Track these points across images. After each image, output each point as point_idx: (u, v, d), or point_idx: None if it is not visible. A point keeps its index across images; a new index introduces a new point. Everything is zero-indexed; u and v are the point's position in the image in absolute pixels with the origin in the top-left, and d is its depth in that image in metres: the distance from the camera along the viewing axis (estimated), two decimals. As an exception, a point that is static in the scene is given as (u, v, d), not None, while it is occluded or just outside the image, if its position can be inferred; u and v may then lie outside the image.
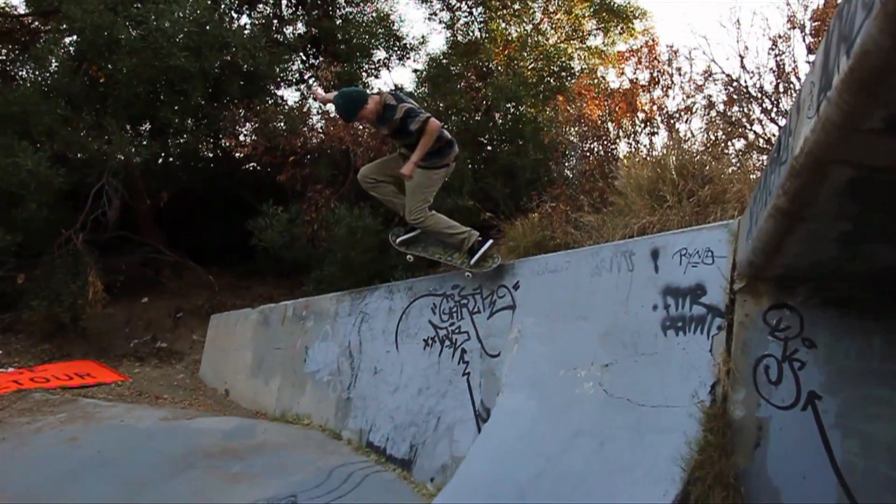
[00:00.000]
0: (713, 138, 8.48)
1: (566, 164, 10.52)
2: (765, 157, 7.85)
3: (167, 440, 8.33)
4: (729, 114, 8.85)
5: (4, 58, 13.50)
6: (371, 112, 6.89)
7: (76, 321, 11.56)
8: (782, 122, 8.18)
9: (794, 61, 10.47)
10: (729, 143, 8.40)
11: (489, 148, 12.93)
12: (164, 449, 8.13)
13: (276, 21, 14.46)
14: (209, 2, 11.84)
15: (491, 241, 7.17)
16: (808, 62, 8.57)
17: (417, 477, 6.97)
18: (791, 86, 8.25)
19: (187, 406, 9.76)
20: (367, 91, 7.15)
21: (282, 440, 8.30)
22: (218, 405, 10.01)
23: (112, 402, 9.62)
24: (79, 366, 11.00)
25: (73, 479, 7.59)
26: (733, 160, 7.74)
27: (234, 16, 13.83)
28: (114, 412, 9.15)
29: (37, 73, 11.98)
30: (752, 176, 6.87)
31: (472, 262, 7.00)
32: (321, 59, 14.11)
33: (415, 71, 15.21)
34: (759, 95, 8.57)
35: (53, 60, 12.01)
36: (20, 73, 12.81)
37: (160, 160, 13.86)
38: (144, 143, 12.55)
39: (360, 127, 11.68)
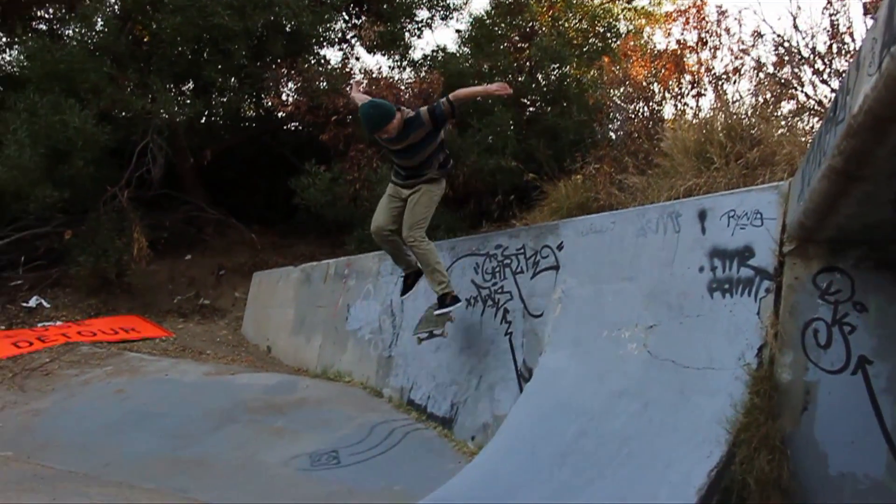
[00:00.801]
0: (762, 100, 8.33)
1: (610, 125, 10.42)
2: (816, 119, 7.71)
3: (211, 394, 8.50)
4: (779, 75, 8.68)
5: (51, 17, 13.63)
6: (394, 128, 6.77)
7: (121, 277, 11.77)
8: (835, 83, 8.00)
9: (850, 21, 10.22)
10: (778, 105, 8.25)
11: (532, 109, 12.83)
12: (207, 403, 8.30)
13: (319, -21, 14.43)
14: (253, -40, 11.82)
15: (460, 304, 7.16)
16: (866, 22, 8.36)
17: (458, 435, 7.04)
18: (845, 46, 8.06)
19: (230, 362, 9.92)
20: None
21: (323, 396, 8.42)
22: (260, 361, 10.16)
23: (157, 356, 9.81)
24: (124, 321, 11.21)
25: (119, 430, 7.79)
26: (783, 122, 7.60)
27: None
28: (158, 366, 9.34)
29: (83, 31, 12.07)
30: (802, 139, 6.75)
31: (437, 312, 7.12)
32: (364, 18, 14.06)
33: (457, 31, 15.12)
34: (812, 56, 8.39)
35: (99, 19, 12.10)
36: (67, 32, 12.92)
37: (203, 119, 13.96)
38: (188, 101, 12.64)
39: (403, 88, 11.65)
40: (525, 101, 12.78)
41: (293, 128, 14.49)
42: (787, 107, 8.31)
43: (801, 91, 8.40)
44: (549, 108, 12.45)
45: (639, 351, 5.33)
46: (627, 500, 4.48)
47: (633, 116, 9.68)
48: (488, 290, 7.31)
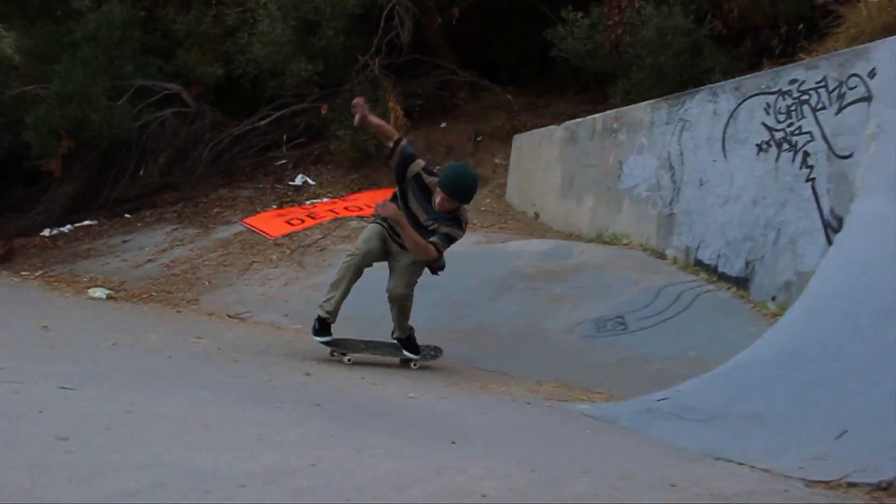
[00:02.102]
0: None
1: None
2: None
3: (484, 263, 8.88)
4: None
5: None
6: (455, 208, 6.46)
7: (381, 149, 12.38)
8: None
9: None
10: None
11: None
12: (481, 272, 8.69)
13: None
14: None
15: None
16: None
17: (755, 296, 6.92)
18: None
19: (498, 230, 10.26)
20: None
21: (600, 261, 8.54)
22: (528, 228, 10.42)
23: (423, 227, 10.32)
24: (387, 194, 11.83)
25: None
26: None
27: None
28: (427, 237, 9.84)
29: None
30: None
31: (410, 356, 6.85)
32: None
33: None
34: None
35: None
36: None
37: (447, -28, 14.06)
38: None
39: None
40: None
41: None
42: None
43: None
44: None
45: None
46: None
47: None
48: (783, 132, 6.99)
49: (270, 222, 10.92)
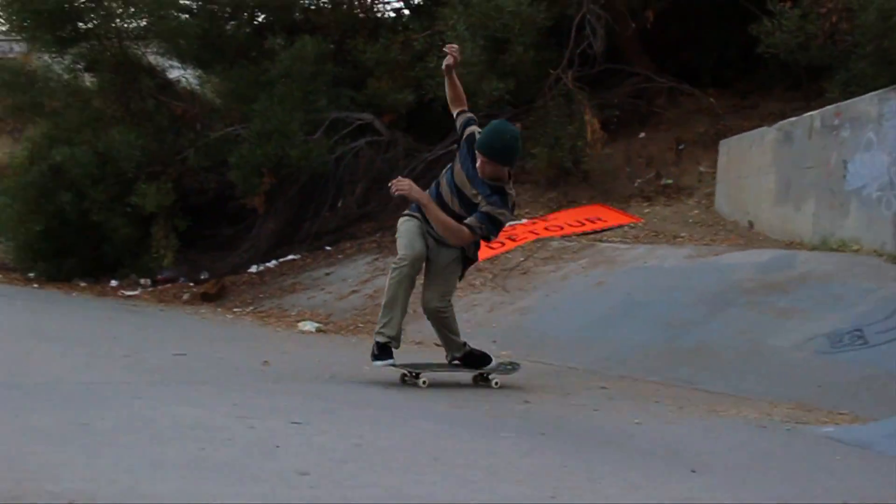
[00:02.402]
0: None
1: None
2: None
3: (697, 279, 8.54)
4: None
5: None
6: (501, 177, 5.98)
7: (577, 164, 12.21)
8: None
9: None
10: None
11: None
12: (695, 288, 8.35)
13: None
14: None
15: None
16: None
17: None
18: None
19: (709, 242, 9.87)
20: None
21: (828, 270, 8.03)
22: (742, 238, 9.98)
23: (629, 244, 10.08)
24: (587, 211, 11.67)
25: (608, 323, 8.18)
26: None
27: None
28: (634, 254, 9.59)
29: None
30: None
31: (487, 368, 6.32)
32: None
33: None
34: None
35: None
36: None
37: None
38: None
39: None
40: None
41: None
42: None
43: None
44: None
45: None
46: None
47: None
48: None
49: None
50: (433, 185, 6.34)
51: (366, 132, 13.28)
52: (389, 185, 6.22)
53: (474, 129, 6.18)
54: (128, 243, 12.99)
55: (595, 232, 10.84)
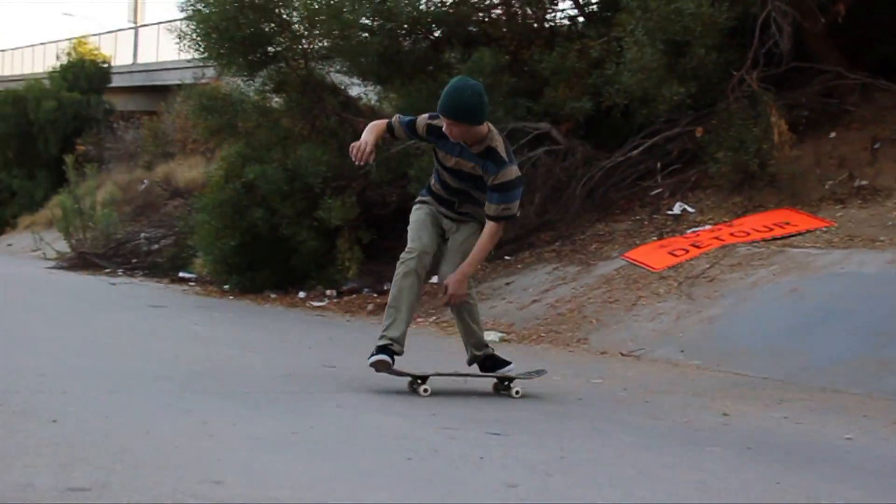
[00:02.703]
0: None
1: None
2: None
3: (901, 286, 8.10)
4: None
5: None
6: (478, 137, 5.50)
7: (763, 168, 11.81)
8: None
9: None
10: None
11: None
12: (900, 295, 7.92)
13: None
14: None
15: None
16: None
17: None
18: None
19: (915, 246, 9.35)
20: None
21: None
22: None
23: (822, 249, 9.66)
24: (775, 215, 11.27)
25: (804, 332, 7.88)
26: None
27: None
28: (829, 260, 9.19)
29: None
30: None
31: (507, 372, 5.99)
32: None
33: None
34: None
35: None
36: None
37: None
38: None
39: None
40: None
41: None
42: None
43: None
44: None
45: None
46: None
47: None
48: None
49: (652, 255, 10.77)
50: (424, 191, 6.12)
51: (543, 141, 13.30)
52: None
53: (421, 116, 5.80)
54: (314, 256, 13.48)
55: (784, 237, 10.45)
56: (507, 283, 11.80)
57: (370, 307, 12.36)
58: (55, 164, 31.18)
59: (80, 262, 19.20)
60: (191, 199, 18.07)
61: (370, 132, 5.74)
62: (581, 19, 15.34)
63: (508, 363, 6.04)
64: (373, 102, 15.52)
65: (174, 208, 21.81)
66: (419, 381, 5.73)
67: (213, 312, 11.37)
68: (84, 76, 37.02)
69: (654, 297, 9.54)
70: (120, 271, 18.17)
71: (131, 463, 3.32)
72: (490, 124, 5.57)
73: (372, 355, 5.57)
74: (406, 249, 5.74)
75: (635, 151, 12.88)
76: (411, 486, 3.30)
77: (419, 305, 5.77)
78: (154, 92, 36.31)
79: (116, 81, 39.08)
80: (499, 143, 5.52)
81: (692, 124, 12.40)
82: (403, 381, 5.75)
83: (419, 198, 6.04)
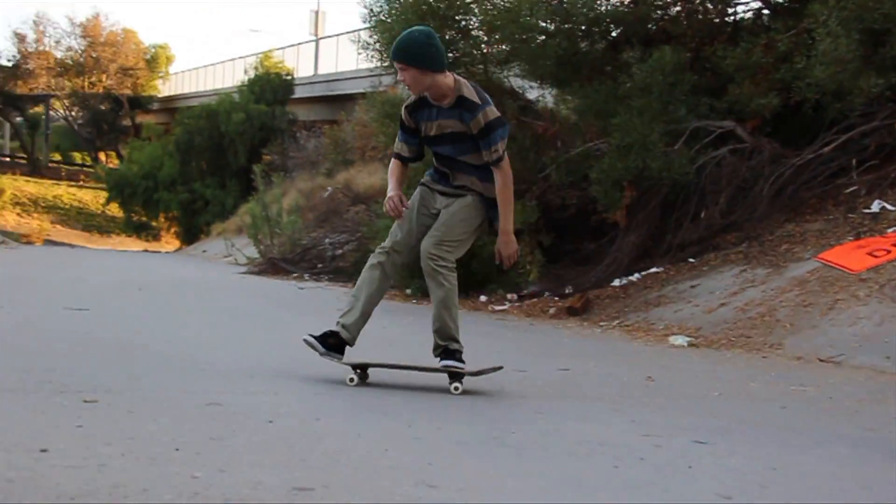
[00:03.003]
0: None
1: None
2: None
3: None
4: None
5: None
6: (443, 89, 5.29)
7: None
8: None
9: None
10: None
11: None
12: None
13: None
14: None
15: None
16: None
17: None
18: None
19: None
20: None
21: None
22: None
23: None
24: None
25: None
26: None
27: None
28: None
29: None
30: None
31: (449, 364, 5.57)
32: None
33: None
34: None
35: None
36: None
37: None
38: None
39: None
40: None
41: None
42: None
43: None
44: None
45: None
46: None
47: None
48: None
49: (850, 256, 10.27)
50: (429, 170, 6.01)
51: (727, 140, 12.91)
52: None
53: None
54: (495, 260, 13.54)
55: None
56: (693, 286, 11.51)
57: (552, 311, 12.34)
58: (244, 174, 32.79)
59: (270, 267, 20.06)
60: (372, 204, 18.53)
61: (391, 178, 5.79)
62: (766, 12, 14.79)
63: (458, 357, 5.69)
64: (550, 105, 15.49)
65: (356, 214, 22.41)
66: (359, 371, 5.62)
67: (396, 316, 11.60)
68: (270, 89, 38.84)
69: (854, 301, 9.09)
70: (306, 276, 18.88)
71: (347, 464, 3.43)
72: (456, 75, 5.48)
73: (325, 347, 5.51)
74: (381, 244, 5.84)
75: (827, 148, 12.30)
76: (622, 495, 3.25)
77: (380, 299, 5.70)
78: (334, 101, 37.58)
79: (298, 92, 40.74)
80: (468, 90, 5.40)
81: (891, 118, 11.77)
82: (602, 392, 5.72)
83: (422, 179, 6.02)
